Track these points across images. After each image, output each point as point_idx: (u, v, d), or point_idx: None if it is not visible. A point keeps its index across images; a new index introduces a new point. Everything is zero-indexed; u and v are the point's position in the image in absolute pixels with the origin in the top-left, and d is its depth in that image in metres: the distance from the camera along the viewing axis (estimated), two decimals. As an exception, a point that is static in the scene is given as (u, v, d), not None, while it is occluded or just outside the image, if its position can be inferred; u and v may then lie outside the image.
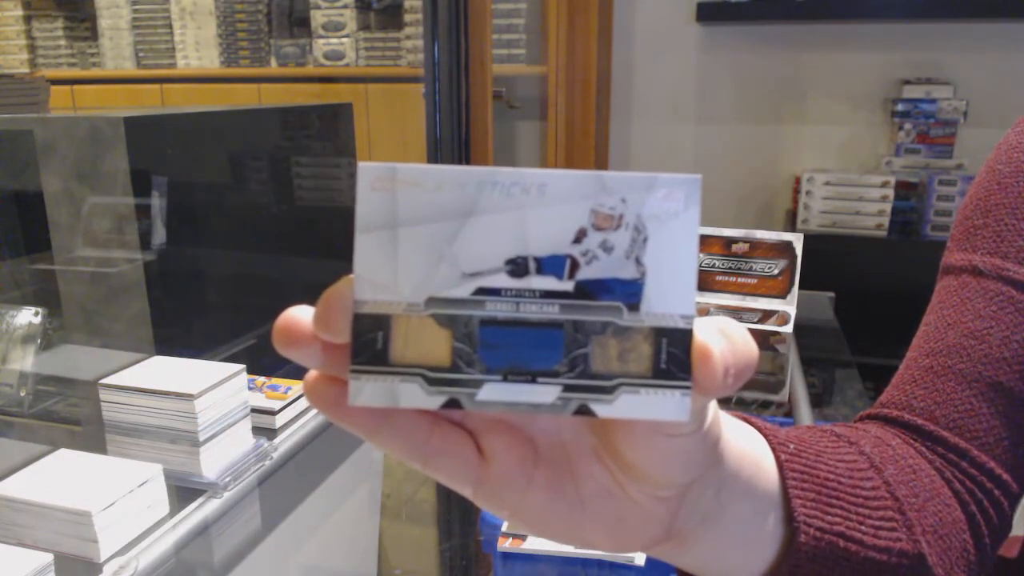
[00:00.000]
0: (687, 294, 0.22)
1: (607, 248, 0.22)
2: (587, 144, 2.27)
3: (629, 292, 0.22)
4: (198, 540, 0.75)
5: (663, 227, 0.22)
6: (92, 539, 0.68)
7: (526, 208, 0.22)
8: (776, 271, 1.16)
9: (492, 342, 0.22)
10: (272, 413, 0.92)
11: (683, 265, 0.22)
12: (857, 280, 1.96)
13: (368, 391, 0.22)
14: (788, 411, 0.99)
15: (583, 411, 0.22)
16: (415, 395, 0.22)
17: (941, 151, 2.03)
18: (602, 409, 0.22)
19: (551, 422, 0.27)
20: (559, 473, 0.27)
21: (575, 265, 0.22)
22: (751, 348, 0.23)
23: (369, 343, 0.22)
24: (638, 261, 0.22)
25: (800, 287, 1.15)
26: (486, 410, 0.22)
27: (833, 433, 0.39)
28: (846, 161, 2.18)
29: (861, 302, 1.67)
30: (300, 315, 0.23)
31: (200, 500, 0.79)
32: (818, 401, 1.04)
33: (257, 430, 0.89)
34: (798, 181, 2.05)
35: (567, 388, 0.22)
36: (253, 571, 0.74)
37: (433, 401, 0.22)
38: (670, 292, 0.22)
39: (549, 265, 0.22)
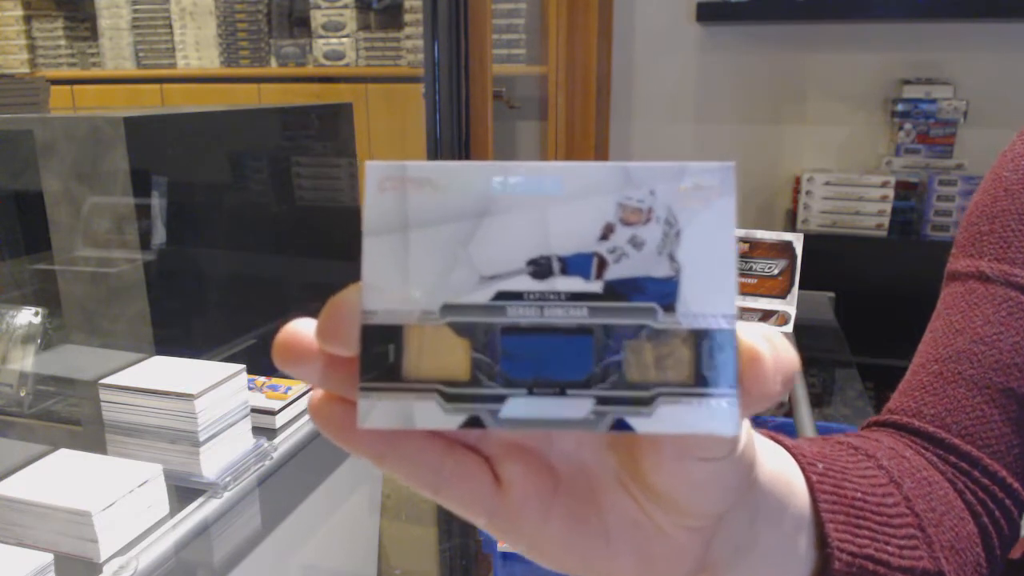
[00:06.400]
0: (727, 291, 0.20)
1: (637, 244, 0.20)
2: (587, 144, 2.27)
3: (663, 291, 0.20)
4: (198, 540, 0.75)
5: (696, 219, 0.20)
6: (92, 539, 0.68)
7: (547, 204, 0.20)
8: (776, 271, 1.16)
9: (515, 352, 0.20)
10: (272, 413, 0.92)
11: (721, 260, 0.20)
12: (857, 280, 1.96)
13: (379, 411, 0.20)
14: (788, 411, 0.99)
15: (620, 426, 0.20)
16: (432, 414, 0.20)
17: (941, 151, 2.03)
18: (641, 423, 0.20)
19: (572, 445, 0.25)
20: (581, 502, 0.25)
21: (603, 264, 0.20)
22: (793, 354, 0.21)
23: (379, 357, 0.20)
24: (671, 257, 0.20)
25: (800, 287, 1.15)
26: (511, 428, 0.20)
27: (850, 446, 0.39)
28: (846, 161, 2.18)
29: (861, 302, 1.67)
30: (302, 329, 0.21)
31: (200, 500, 0.79)
32: (818, 401, 1.04)
33: (257, 430, 0.89)
34: (798, 181, 2.05)
35: (600, 400, 0.20)
36: (253, 571, 0.74)
37: (452, 420, 0.20)
38: (708, 290, 0.20)
39: (575, 265, 0.20)
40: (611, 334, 0.20)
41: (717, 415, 0.20)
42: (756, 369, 0.20)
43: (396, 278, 0.20)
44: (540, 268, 0.20)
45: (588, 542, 0.25)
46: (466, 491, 0.23)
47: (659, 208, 0.20)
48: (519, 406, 0.20)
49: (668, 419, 0.20)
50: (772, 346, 0.21)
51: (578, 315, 0.20)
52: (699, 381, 0.20)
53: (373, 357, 0.20)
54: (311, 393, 0.22)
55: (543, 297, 0.20)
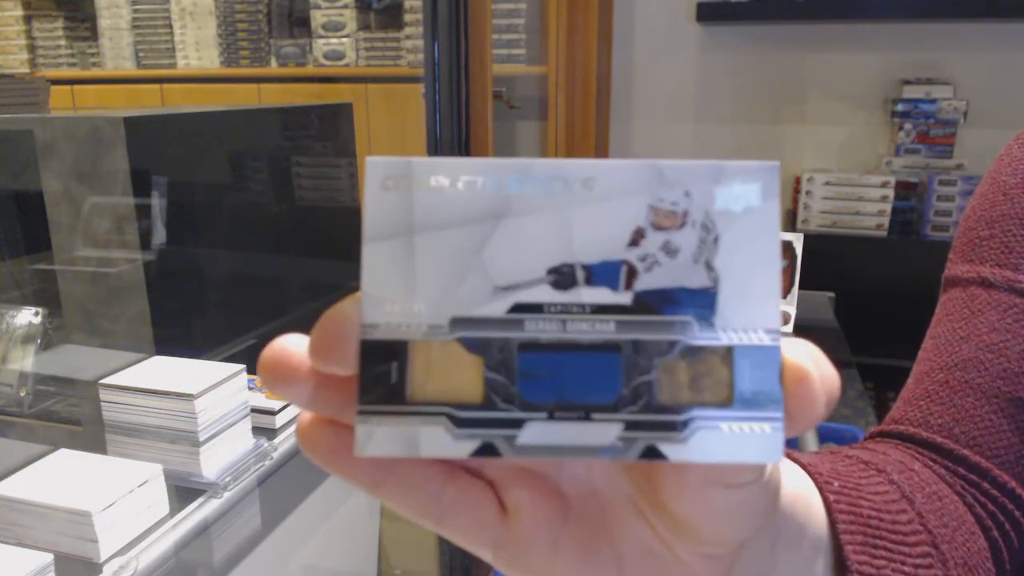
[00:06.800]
0: (770, 304, 0.18)
1: (670, 251, 0.18)
2: (587, 144, 2.27)
3: (700, 303, 0.18)
4: (198, 540, 0.75)
5: (737, 224, 0.18)
6: (92, 539, 0.68)
7: (570, 206, 0.18)
8: (776, 271, 1.16)
9: (534, 371, 0.18)
10: (272, 413, 0.92)
11: (763, 269, 0.18)
12: (857, 280, 1.96)
13: (380, 437, 0.18)
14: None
15: (651, 454, 0.18)
16: (439, 440, 0.18)
17: (941, 151, 2.03)
18: (674, 451, 0.18)
19: (583, 469, 0.23)
20: (592, 530, 0.23)
21: (632, 272, 0.18)
22: (835, 373, 0.20)
23: (381, 377, 0.18)
24: (709, 266, 0.18)
25: (800, 287, 1.15)
26: (528, 456, 0.18)
27: (860, 461, 0.38)
28: (846, 161, 2.18)
29: (861, 302, 1.67)
30: (292, 345, 0.19)
31: (200, 500, 0.79)
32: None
33: (257, 430, 0.89)
34: (798, 181, 2.05)
35: (629, 425, 0.18)
36: (253, 571, 0.74)
37: (462, 448, 0.18)
38: (749, 302, 0.18)
39: (601, 273, 0.18)
40: (641, 351, 0.18)
41: (759, 441, 0.18)
42: (803, 390, 0.18)
43: (400, 288, 0.18)
44: (562, 277, 0.18)
45: (601, 573, 0.23)
46: (470, 521, 0.21)
47: (695, 211, 0.18)
48: (538, 432, 0.18)
49: (705, 446, 0.18)
50: (817, 365, 0.19)
51: (605, 330, 0.18)
52: (739, 403, 0.18)
53: (373, 377, 0.18)
54: (299, 416, 0.20)
55: (566, 310, 0.18)
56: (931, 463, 0.41)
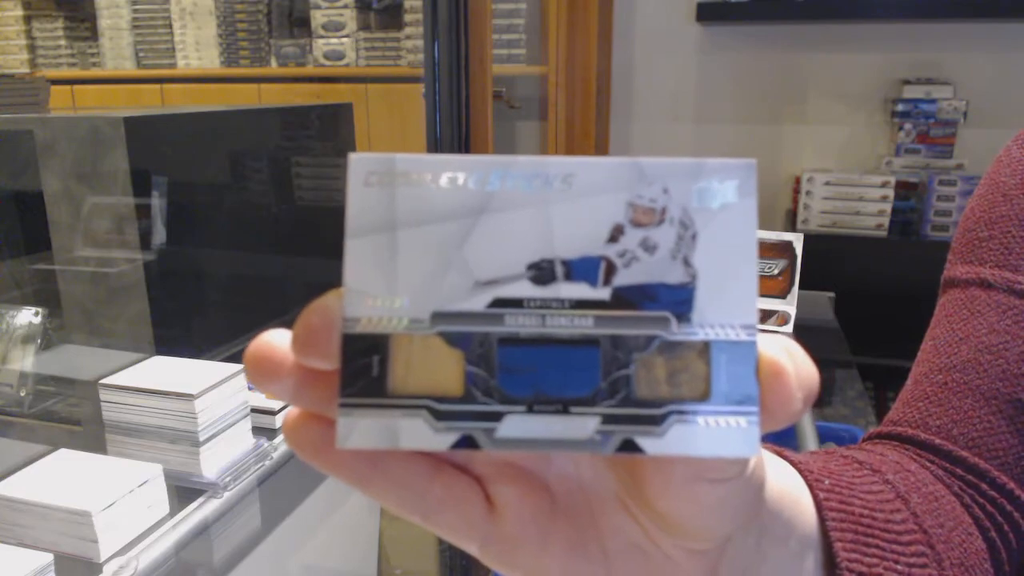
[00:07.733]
0: (747, 300, 0.18)
1: (649, 247, 0.19)
2: (587, 144, 2.27)
3: (678, 299, 0.19)
4: (198, 540, 0.75)
5: (715, 221, 0.18)
6: (92, 539, 0.68)
7: (550, 203, 0.19)
8: (776, 271, 1.16)
9: (513, 365, 0.19)
10: (272, 413, 0.92)
11: (740, 265, 0.18)
12: (857, 280, 1.96)
13: (361, 429, 0.18)
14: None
15: (628, 447, 0.18)
16: (420, 433, 0.18)
17: (941, 151, 2.03)
18: (651, 444, 0.18)
19: (570, 465, 0.23)
20: (580, 527, 0.23)
21: (611, 268, 0.19)
22: (814, 368, 0.20)
23: (362, 369, 0.18)
24: (686, 262, 0.19)
25: (800, 287, 1.15)
26: (507, 449, 0.18)
27: (855, 460, 0.38)
28: (846, 161, 2.18)
29: (861, 302, 1.67)
30: (277, 341, 0.19)
31: (200, 500, 0.79)
32: (818, 401, 1.04)
33: (257, 430, 0.89)
34: (798, 181, 2.05)
35: (607, 419, 0.18)
36: (253, 571, 0.74)
37: (442, 440, 0.18)
38: (727, 298, 0.18)
39: (580, 269, 0.19)
40: (619, 346, 0.19)
41: (735, 435, 0.18)
42: (778, 385, 0.19)
43: (382, 282, 0.18)
44: (542, 273, 0.19)
45: (588, 570, 0.23)
46: (457, 517, 0.22)
47: (674, 208, 0.19)
48: (517, 425, 0.18)
49: (681, 440, 0.18)
50: (793, 360, 0.19)
51: (583, 325, 0.19)
52: (716, 398, 0.18)
53: (355, 370, 0.18)
54: (286, 412, 0.20)
55: (545, 305, 0.19)
56: (929, 464, 0.41)
